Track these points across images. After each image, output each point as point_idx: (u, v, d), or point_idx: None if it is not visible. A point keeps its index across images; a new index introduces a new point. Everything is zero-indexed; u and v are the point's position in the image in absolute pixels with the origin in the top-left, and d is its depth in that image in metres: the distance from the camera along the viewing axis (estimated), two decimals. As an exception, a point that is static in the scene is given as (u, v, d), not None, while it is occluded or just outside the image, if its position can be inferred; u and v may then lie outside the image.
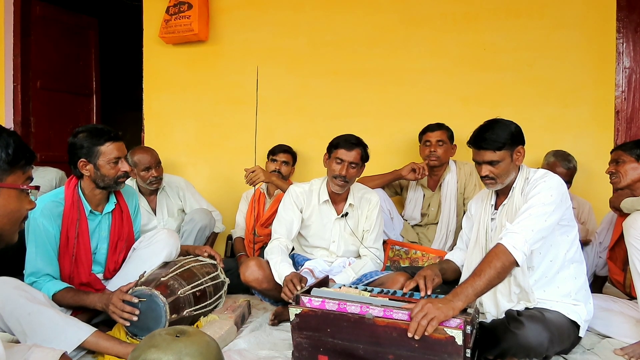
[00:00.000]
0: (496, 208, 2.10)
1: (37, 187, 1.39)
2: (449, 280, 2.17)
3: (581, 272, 2.00)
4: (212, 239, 3.27)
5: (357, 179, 2.56)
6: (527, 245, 1.77)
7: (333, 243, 2.54)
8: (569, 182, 2.99)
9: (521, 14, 3.29)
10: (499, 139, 1.96)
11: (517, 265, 1.77)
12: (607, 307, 2.25)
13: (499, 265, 1.73)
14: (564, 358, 1.96)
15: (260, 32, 3.77)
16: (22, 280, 2.00)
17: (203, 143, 3.93)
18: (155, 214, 3.12)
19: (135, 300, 1.91)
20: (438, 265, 2.21)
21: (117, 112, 6.37)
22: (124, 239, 2.29)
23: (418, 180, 3.12)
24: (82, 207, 2.16)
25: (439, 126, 3.08)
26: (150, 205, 3.13)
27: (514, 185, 2.02)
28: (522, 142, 2.03)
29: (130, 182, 3.14)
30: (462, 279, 2.14)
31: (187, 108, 3.95)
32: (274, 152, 3.41)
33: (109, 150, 2.13)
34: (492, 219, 2.09)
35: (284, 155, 3.38)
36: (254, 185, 2.93)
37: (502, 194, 2.10)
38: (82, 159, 2.11)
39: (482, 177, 2.04)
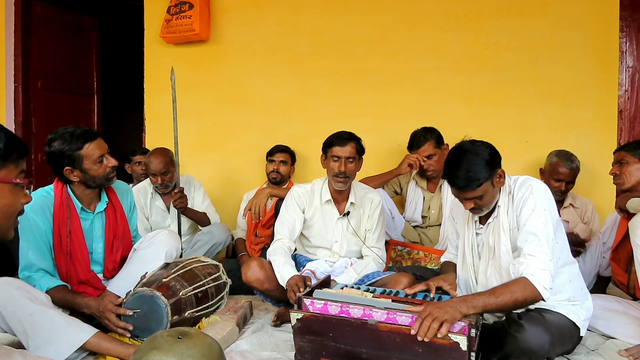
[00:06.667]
0: (482, 223, 2.01)
1: (30, 181, 1.39)
2: None
3: (575, 273, 1.97)
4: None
5: (358, 178, 2.55)
6: (552, 278, 1.74)
7: (336, 243, 2.53)
8: (572, 182, 2.98)
9: (523, 13, 3.28)
10: (475, 177, 1.80)
11: (543, 300, 1.75)
12: (611, 307, 2.23)
13: (521, 298, 1.69)
14: (567, 359, 1.95)
15: (261, 32, 3.77)
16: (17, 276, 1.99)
17: (204, 143, 3.93)
18: (169, 212, 3.21)
19: (130, 312, 1.92)
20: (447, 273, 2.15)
21: (118, 112, 6.37)
22: (119, 238, 2.28)
23: (417, 183, 3.13)
24: (73, 205, 2.14)
25: (425, 139, 2.98)
26: (165, 204, 3.23)
27: (498, 204, 1.93)
28: (499, 165, 1.87)
29: (147, 182, 3.24)
30: (457, 293, 2.04)
31: (188, 108, 3.93)
32: (271, 152, 3.42)
33: (89, 151, 2.06)
34: (477, 233, 2.03)
35: (281, 155, 3.39)
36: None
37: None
38: (66, 167, 2.05)
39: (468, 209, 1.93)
